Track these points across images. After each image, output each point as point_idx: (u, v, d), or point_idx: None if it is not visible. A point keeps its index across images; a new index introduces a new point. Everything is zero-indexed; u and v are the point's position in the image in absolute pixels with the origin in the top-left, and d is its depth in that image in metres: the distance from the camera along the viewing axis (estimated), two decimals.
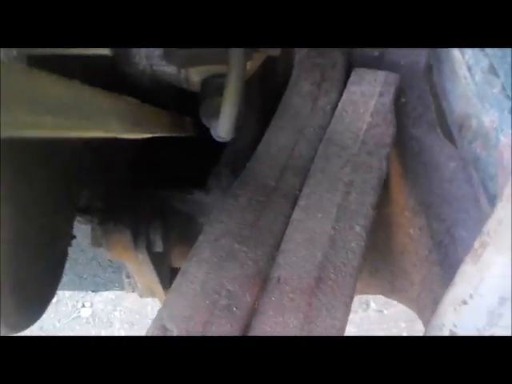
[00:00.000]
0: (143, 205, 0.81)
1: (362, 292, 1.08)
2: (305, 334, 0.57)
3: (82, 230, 0.87)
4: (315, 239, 0.65)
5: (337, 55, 0.93)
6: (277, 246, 0.65)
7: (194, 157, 0.87)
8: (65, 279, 0.83)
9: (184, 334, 0.55)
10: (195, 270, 0.61)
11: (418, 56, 0.97)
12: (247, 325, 0.57)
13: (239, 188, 0.71)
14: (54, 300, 1.81)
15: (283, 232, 0.66)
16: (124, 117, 0.42)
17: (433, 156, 0.95)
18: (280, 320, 0.57)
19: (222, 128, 0.61)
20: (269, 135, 0.82)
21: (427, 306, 0.93)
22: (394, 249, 1.02)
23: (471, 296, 0.58)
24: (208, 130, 0.82)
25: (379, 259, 1.04)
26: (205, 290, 0.59)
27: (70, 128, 0.31)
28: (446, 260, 0.87)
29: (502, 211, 0.49)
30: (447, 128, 0.98)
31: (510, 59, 0.74)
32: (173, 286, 0.60)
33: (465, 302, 0.58)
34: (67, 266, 0.78)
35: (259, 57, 0.69)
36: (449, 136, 0.97)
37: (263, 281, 0.61)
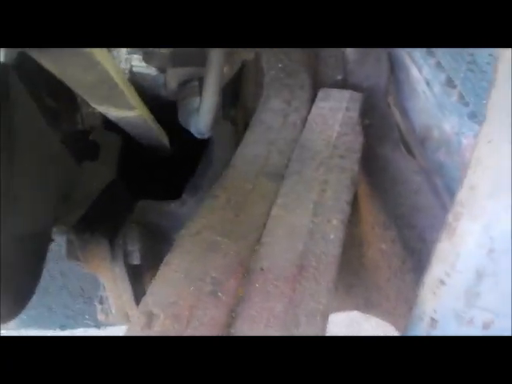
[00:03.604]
0: (120, 216, 0.81)
1: (339, 309, 1.08)
2: (290, 317, 0.57)
3: (52, 254, 0.85)
4: (295, 232, 0.66)
5: (304, 77, 0.98)
6: (257, 240, 0.66)
7: (170, 170, 0.88)
8: (33, 312, 0.81)
9: (171, 318, 0.54)
10: (178, 260, 0.61)
11: (379, 78, 1.03)
12: (232, 310, 0.57)
13: (217, 190, 0.73)
14: None
15: (263, 227, 0.68)
16: None
17: (399, 171, 0.99)
18: (266, 305, 0.58)
19: (202, 123, 0.63)
20: (242, 147, 0.84)
21: (403, 317, 0.94)
22: (367, 265, 1.04)
23: (448, 274, 0.59)
24: (184, 144, 0.84)
25: (353, 276, 1.05)
26: (189, 277, 0.58)
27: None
28: (420, 265, 0.89)
29: (472, 177, 0.52)
30: (407, 144, 1.03)
31: (464, 69, 0.80)
32: (156, 275, 0.59)
33: (442, 283, 0.59)
34: (36, 297, 0.76)
35: (235, 62, 0.72)
36: (409, 152, 1.02)
37: (246, 270, 0.62)
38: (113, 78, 0.45)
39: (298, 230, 0.67)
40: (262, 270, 0.62)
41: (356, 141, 0.83)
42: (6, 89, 0.51)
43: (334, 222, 0.68)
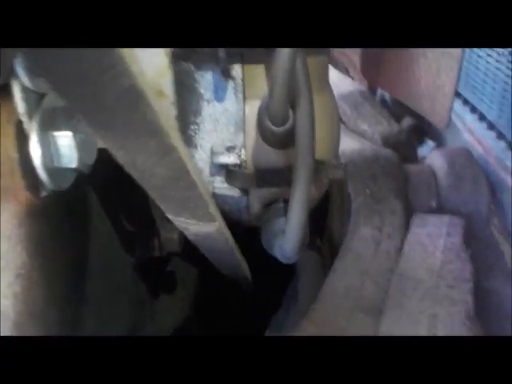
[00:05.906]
0: None
1: None
2: None
3: None
4: None
5: (394, 203, 0.90)
6: None
7: (252, 305, 0.80)
8: None
9: None
10: None
11: (479, 204, 0.94)
12: None
13: (306, 325, 0.63)
14: None
15: None
16: None
17: None
18: None
19: (288, 245, 0.56)
20: (332, 279, 0.75)
21: None
22: None
23: None
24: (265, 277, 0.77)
25: None
26: None
27: None
28: None
29: None
30: None
31: None
32: None
33: None
34: None
35: (322, 183, 0.66)
36: None
37: None
38: (189, 173, 0.40)
39: None
40: None
41: (464, 269, 0.72)
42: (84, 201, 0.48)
43: None
